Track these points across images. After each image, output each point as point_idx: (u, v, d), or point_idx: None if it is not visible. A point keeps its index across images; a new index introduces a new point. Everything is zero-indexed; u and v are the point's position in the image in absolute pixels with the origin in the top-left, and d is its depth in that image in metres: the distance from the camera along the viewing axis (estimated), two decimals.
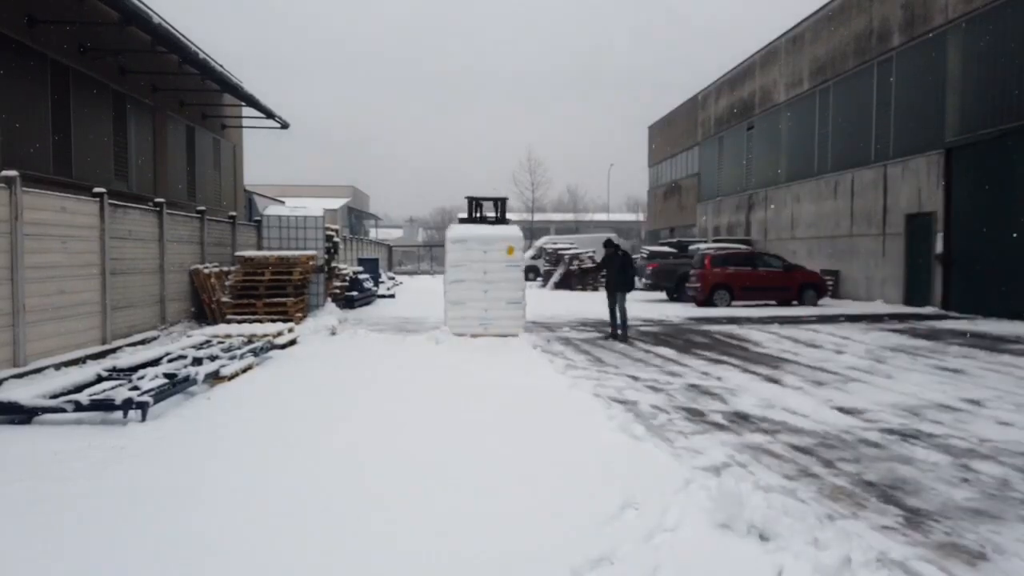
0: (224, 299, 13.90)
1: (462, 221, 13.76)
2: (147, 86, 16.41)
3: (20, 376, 8.11)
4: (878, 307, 19.89)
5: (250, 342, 10.33)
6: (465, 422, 6.36)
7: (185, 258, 13.93)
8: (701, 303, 20.71)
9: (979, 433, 6.23)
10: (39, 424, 6.30)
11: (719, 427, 6.45)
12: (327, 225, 17.27)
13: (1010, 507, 4.47)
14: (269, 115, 20.79)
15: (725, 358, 10.62)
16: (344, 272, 19.75)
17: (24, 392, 6.69)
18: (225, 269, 14.99)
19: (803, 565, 3.46)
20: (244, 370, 8.69)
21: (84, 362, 9.37)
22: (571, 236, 47.78)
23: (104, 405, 6.36)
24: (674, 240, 30.62)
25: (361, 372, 9.02)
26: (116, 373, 7.81)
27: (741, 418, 6.81)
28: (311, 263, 15.29)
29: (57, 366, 8.84)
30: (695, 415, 6.93)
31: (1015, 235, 16.04)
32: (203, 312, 14.22)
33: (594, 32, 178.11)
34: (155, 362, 8.48)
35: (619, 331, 12.82)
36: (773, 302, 20.93)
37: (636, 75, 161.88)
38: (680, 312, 19.00)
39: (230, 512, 4.21)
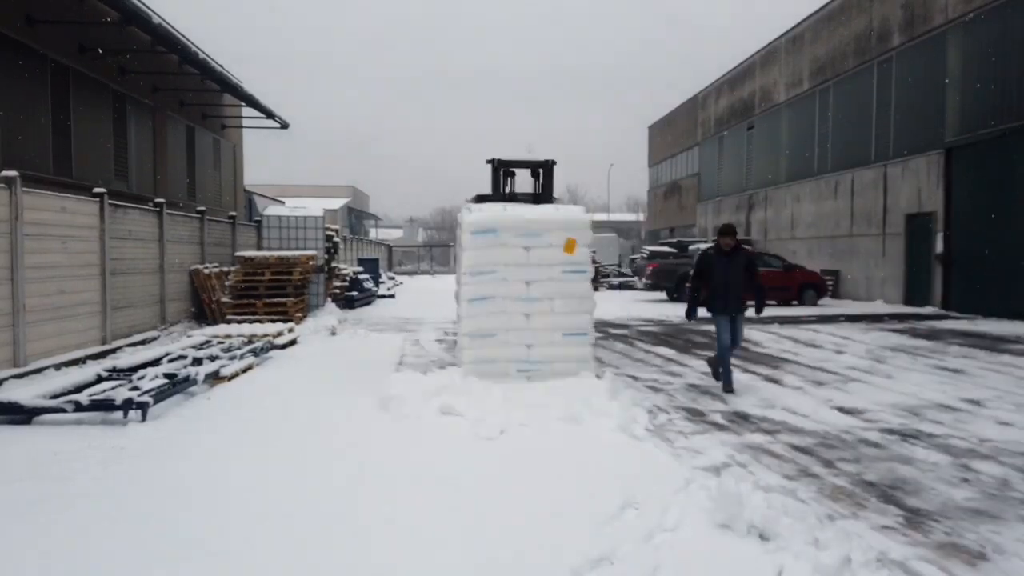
0: (224, 299, 13.91)
1: (480, 200, 8.79)
2: (147, 86, 16.41)
3: (20, 376, 8.11)
4: (878, 307, 19.89)
5: (250, 342, 10.33)
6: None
7: (185, 258, 13.94)
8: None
9: (979, 433, 6.23)
10: (39, 424, 6.30)
11: (719, 427, 6.45)
12: (327, 225, 17.28)
13: (1010, 507, 4.47)
14: (269, 115, 20.79)
15: None
16: (344, 272, 19.75)
17: (24, 392, 6.69)
18: (225, 269, 15.00)
19: (803, 565, 3.46)
20: (244, 370, 8.69)
21: (84, 362, 9.37)
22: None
23: (104, 405, 6.37)
24: (674, 240, 30.60)
25: (361, 371, 9.01)
26: (116, 373, 7.81)
27: (741, 418, 6.81)
28: (311, 263, 15.29)
29: (57, 366, 8.84)
30: (695, 415, 6.92)
31: (1015, 235, 16.05)
32: (203, 312, 14.23)
33: (594, 32, 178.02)
34: (155, 362, 8.48)
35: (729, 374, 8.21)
36: (773, 302, 20.88)
37: (636, 75, 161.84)
38: (680, 312, 18.96)
39: (230, 512, 4.21)
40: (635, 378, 8.92)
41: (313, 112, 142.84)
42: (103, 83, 14.42)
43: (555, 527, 3.94)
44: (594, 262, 32.17)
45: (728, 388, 7.98)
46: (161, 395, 6.76)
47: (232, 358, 8.87)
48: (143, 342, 11.40)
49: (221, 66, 17.44)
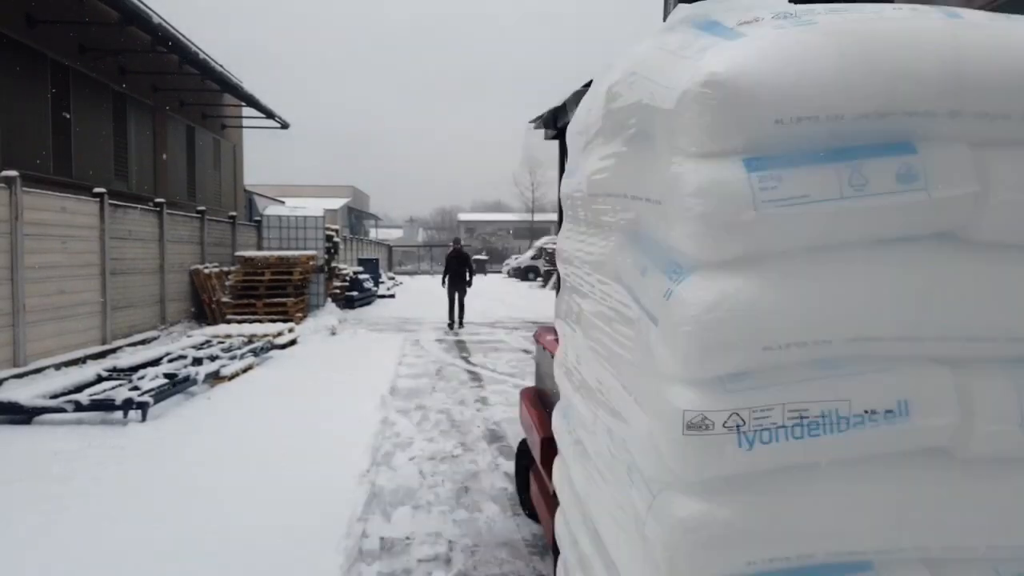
0: (224, 299, 13.90)
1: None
2: (147, 86, 16.40)
3: (20, 376, 8.11)
4: None
5: (250, 342, 10.33)
6: (474, 425, 6.34)
7: (185, 258, 13.93)
8: None
9: None
10: (39, 424, 6.29)
11: None
12: (327, 225, 17.28)
13: None
14: (269, 115, 20.78)
15: None
16: (344, 272, 19.75)
17: (24, 392, 6.69)
18: (225, 269, 14.99)
19: None
20: (244, 370, 8.69)
21: (84, 362, 9.36)
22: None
23: (104, 405, 6.36)
24: None
25: (361, 372, 9.02)
26: (116, 373, 7.81)
27: None
28: (311, 263, 15.29)
29: (57, 366, 8.84)
30: None
31: None
32: (203, 312, 14.22)
33: (594, 32, 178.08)
34: (155, 362, 8.48)
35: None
36: None
37: None
38: None
39: (230, 512, 4.20)
40: None
41: (313, 112, 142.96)
42: (103, 83, 14.41)
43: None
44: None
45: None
46: (161, 395, 6.76)
47: (232, 358, 8.87)
48: (143, 342, 11.40)
49: (221, 66, 17.43)
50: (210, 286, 14.15)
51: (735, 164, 1.31)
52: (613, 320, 1.74)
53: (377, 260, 27.08)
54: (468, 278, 15.15)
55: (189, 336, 11.12)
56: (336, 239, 19.64)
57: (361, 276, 21.13)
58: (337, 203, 54.34)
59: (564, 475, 2.37)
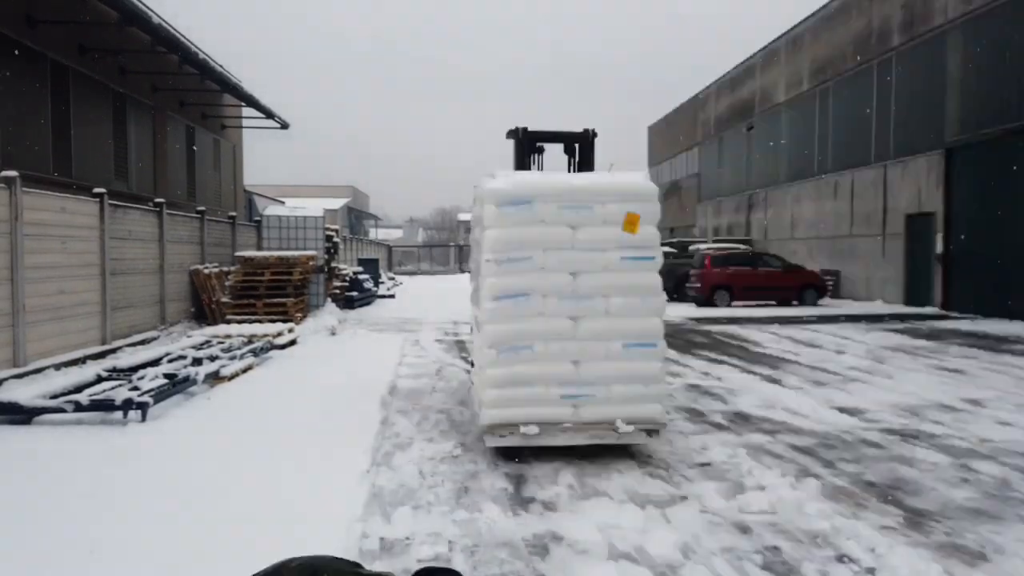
0: (224, 299, 13.90)
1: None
2: (147, 86, 16.40)
3: (20, 376, 8.11)
4: (878, 307, 19.88)
5: (250, 342, 10.33)
6: (473, 425, 6.32)
7: (185, 258, 13.93)
8: (701, 303, 20.70)
9: (979, 433, 6.23)
10: (39, 424, 6.29)
11: (719, 427, 6.45)
12: (327, 225, 17.27)
13: (1010, 507, 4.47)
14: (269, 115, 20.79)
15: (725, 358, 10.62)
16: (344, 272, 19.74)
17: (24, 392, 6.70)
18: (225, 269, 14.99)
19: None
20: (244, 370, 8.69)
21: (84, 362, 9.36)
22: None
23: (104, 405, 6.36)
24: (674, 240, 30.61)
25: (361, 372, 9.01)
26: (116, 373, 7.81)
27: (742, 418, 6.80)
28: (311, 263, 15.28)
29: (57, 366, 8.83)
30: (696, 415, 6.92)
31: (1015, 235, 16.04)
32: (203, 312, 14.22)
33: (594, 32, 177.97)
34: (155, 362, 8.48)
35: None
36: (773, 302, 20.91)
37: (636, 75, 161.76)
38: (680, 312, 18.99)
39: (230, 512, 4.20)
40: None
41: (313, 112, 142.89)
42: (103, 83, 14.41)
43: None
44: None
45: None
46: (161, 395, 6.76)
47: (232, 358, 8.86)
48: (143, 342, 11.40)
49: (221, 66, 17.43)
50: (210, 286, 14.15)
51: (496, 203, 5.53)
52: (475, 274, 6.32)
53: (377, 260, 27.08)
54: None
55: (189, 336, 11.11)
56: (336, 239, 19.64)
57: (361, 276, 21.12)
58: (337, 203, 54.33)
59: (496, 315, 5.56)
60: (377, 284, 24.26)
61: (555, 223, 5.54)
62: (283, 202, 32.78)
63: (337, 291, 18.60)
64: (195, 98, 18.82)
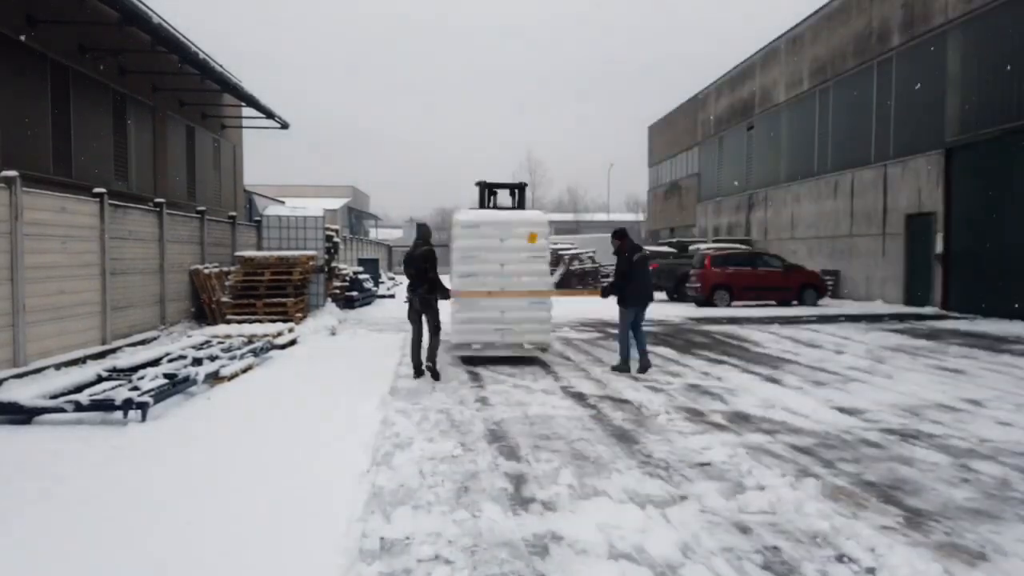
0: (224, 299, 13.90)
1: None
2: (147, 86, 16.40)
3: (20, 376, 8.11)
4: (878, 307, 19.89)
5: (250, 342, 10.33)
6: (473, 425, 6.33)
7: (185, 258, 13.93)
8: (701, 303, 20.71)
9: (979, 433, 6.23)
10: (39, 424, 6.30)
11: (719, 427, 6.45)
12: (327, 225, 17.27)
13: (1010, 507, 4.47)
14: (269, 115, 20.79)
15: (725, 358, 10.62)
16: (344, 272, 19.74)
17: (24, 392, 6.69)
18: (225, 269, 14.99)
19: None
20: (244, 370, 8.69)
21: (84, 362, 9.36)
22: (571, 236, 47.81)
23: (104, 405, 6.37)
24: (674, 240, 30.61)
25: (361, 371, 9.01)
26: (116, 373, 7.81)
27: (741, 418, 6.81)
28: (311, 263, 15.28)
29: (57, 366, 8.84)
30: (695, 415, 6.92)
31: (1015, 235, 16.04)
32: (203, 312, 14.22)
33: (594, 32, 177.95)
34: (155, 362, 8.48)
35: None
36: (773, 302, 20.93)
37: (636, 75, 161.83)
38: (680, 312, 19.00)
39: (230, 513, 4.21)
40: (635, 378, 8.92)
41: (313, 112, 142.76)
42: (103, 83, 14.42)
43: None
44: (594, 262, 32.39)
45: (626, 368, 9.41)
46: (161, 395, 6.76)
47: (232, 358, 8.87)
48: (143, 342, 11.40)
49: (221, 66, 17.44)
50: (210, 286, 14.15)
51: (461, 226, 10.12)
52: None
53: (377, 260, 27.09)
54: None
55: (189, 336, 11.12)
56: (336, 239, 19.63)
57: (361, 276, 21.13)
58: (337, 203, 54.35)
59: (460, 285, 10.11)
60: (377, 284, 24.27)
61: (491, 237, 10.09)
62: (283, 202, 32.78)
63: (337, 291, 18.60)
64: (195, 98, 18.82)
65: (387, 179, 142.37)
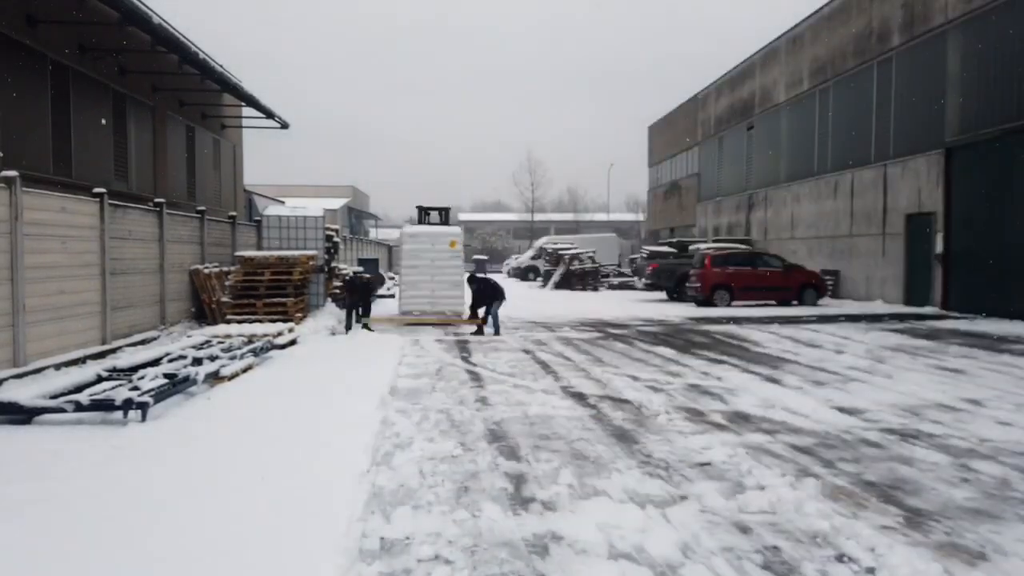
0: (224, 299, 13.89)
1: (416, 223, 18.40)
2: (147, 86, 16.41)
3: (20, 376, 8.11)
4: (878, 307, 19.89)
5: (250, 342, 10.33)
6: (473, 425, 6.34)
7: (185, 258, 13.93)
8: (701, 303, 20.71)
9: (979, 433, 6.23)
10: (39, 424, 6.29)
11: (719, 427, 6.45)
12: (327, 225, 17.26)
13: (1010, 507, 4.47)
14: (269, 115, 20.79)
15: (725, 358, 10.62)
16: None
17: (24, 392, 6.69)
18: (225, 269, 14.99)
19: None
20: (244, 370, 8.69)
21: (84, 362, 9.36)
22: (571, 236, 47.82)
23: (104, 405, 6.36)
24: (674, 240, 30.63)
25: (361, 372, 9.02)
26: (116, 373, 7.81)
27: (741, 418, 6.81)
28: (311, 263, 15.28)
29: (57, 366, 8.84)
30: (695, 415, 6.92)
31: (1015, 235, 16.04)
32: (203, 312, 14.22)
33: (594, 32, 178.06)
34: (155, 362, 8.48)
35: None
36: (773, 302, 20.93)
37: (636, 75, 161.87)
38: (680, 312, 19.00)
39: (230, 513, 4.20)
40: (635, 378, 8.91)
41: (313, 112, 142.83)
42: (103, 83, 14.42)
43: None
44: (593, 262, 32.42)
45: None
46: (161, 395, 6.76)
47: (232, 358, 8.86)
48: (143, 342, 11.40)
49: (221, 66, 17.44)
50: (210, 286, 14.15)
51: (408, 237, 16.98)
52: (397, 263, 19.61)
53: (377, 260, 27.09)
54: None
55: (189, 336, 11.12)
56: (336, 239, 19.62)
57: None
58: (337, 203, 54.34)
59: (408, 273, 17.00)
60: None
61: (425, 244, 16.40)
62: (283, 202, 32.78)
63: (337, 291, 18.59)
64: (195, 98, 18.83)
65: (387, 179, 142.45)
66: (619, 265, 41.27)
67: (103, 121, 14.46)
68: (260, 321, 13.07)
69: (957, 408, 7.22)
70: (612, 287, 32.11)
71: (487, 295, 14.09)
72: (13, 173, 8.34)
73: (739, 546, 3.86)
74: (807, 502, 4.41)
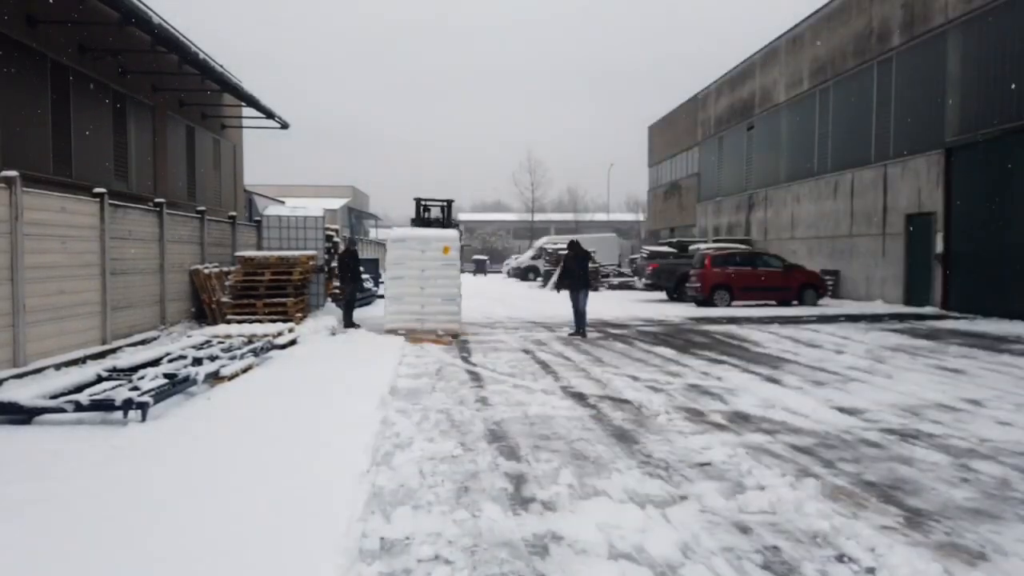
0: (224, 299, 13.89)
1: (413, 222, 16.20)
2: (147, 86, 16.40)
3: (20, 376, 8.11)
4: (878, 307, 19.89)
5: (250, 342, 10.33)
6: (473, 425, 6.34)
7: (185, 258, 13.93)
8: (701, 303, 20.71)
9: (979, 433, 6.23)
10: (39, 424, 6.29)
11: (719, 427, 6.45)
12: (327, 225, 17.27)
13: (1010, 507, 4.47)
14: (269, 115, 20.78)
15: (725, 358, 10.62)
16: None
17: (24, 392, 6.69)
18: (225, 269, 14.99)
19: None
20: (244, 370, 8.69)
21: (84, 362, 9.36)
22: (571, 236, 47.80)
23: (104, 405, 6.36)
24: (674, 240, 30.62)
25: (361, 372, 9.02)
26: (116, 373, 7.81)
27: (741, 418, 6.81)
28: (311, 263, 15.28)
29: (57, 366, 8.84)
30: (695, 415, 6.92)
31: (1015, 235, 16.04)
32: (203, 312, 14.22)
33: (594, 32, 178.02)
34: (155, 362, 8.48)
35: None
36: (773, 302, 20.93)
37: (636, 75, 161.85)
38: (680, 312, 19.00)
39: (230, 513, 4.20)
40: (635, 378, 8.91)
41: (313, 112, 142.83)
42: (103, 83, 14.42)
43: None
44: (594, 262, 32.52)
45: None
46: (161, 395, 6.76)
47: (232, 358, 8.86)
48: (143, 342, 11.40)
49: (221, 66, 17.44)
50: (210, 286, 14.15)
51: (392, 241, 13.61)
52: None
53: (377, 260, 27.09)
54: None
55: (189, 336, 11.12)
56: (336, 239, 19.62)
57: (361, 276, 21.09)
58: (337, 203, 54.34)
59: (391, 285, 13.64)
60: (377, 284, 24.26)
61: (415, 249, 13.30)
62: (283, 202, 32.78)
63: (337, 291, 18.58)
64: (195, 98, 18.82)
65: (387, 179, 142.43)
66: (619, 265, 41.27)
67: (103, 121, 14.46)
68: (260, 321, 13.07)
69: (957, 408, 7.22)
70: (612, 287, 32.11)
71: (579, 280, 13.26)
72: (13, 173, 8.34)
73: (739, 546, 3.86)
74: (807, 502, 4.41)
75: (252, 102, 19.66)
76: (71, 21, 12.80)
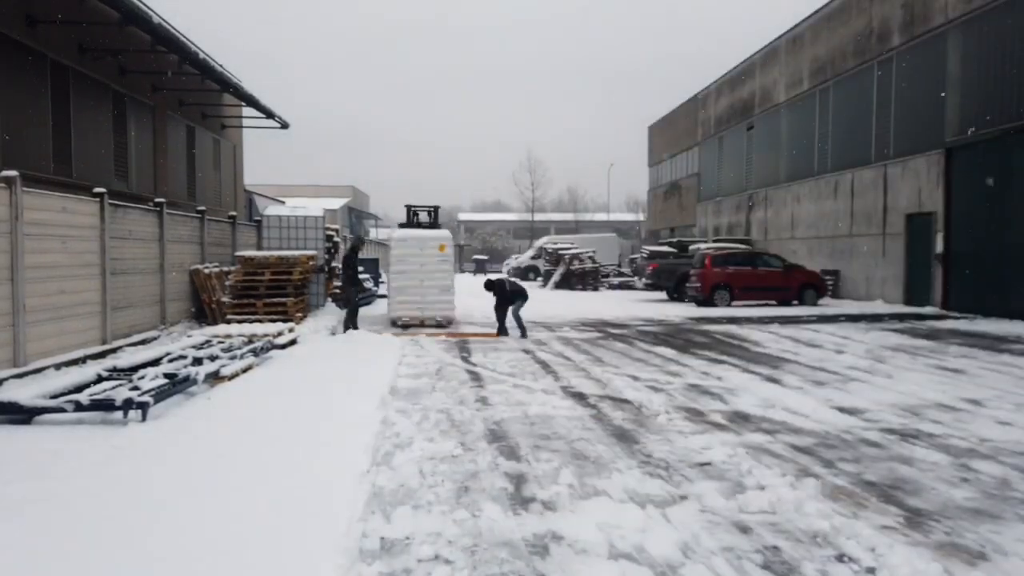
0: (224, 299, 13.89)
1: (402, 225, 17.38)
2: (147, 86, 16.40)
3: (20, 376, 8.11)
4: (878, 307, 19.89)
5: (250, 342, 10.33)
6: (473, 425, 6.33)
7: (185, 258, 13.93)
8: (701, 303, 20.71)
9: (979, 433, 6.23)
10: (39, 424, 6.29)
11: (719, 427, 6.45)
12: (327, 225, 17.27)
13: (1010, 507, 4.47)
14: (269, 115, 20.78)
15: (725, 358, 10.62)
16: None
17: (24, 392, 6.69)
18: (225, 269, 14.99)
19: None
20: (244, 370, 8.69)
21: (84, 362, 9.36)
22: (571, 236, 47.82)
23: (104, 405, 6.36)
24: (674, 240, 30.62)
25: (361, 371, 9.01)
26: (116, 373, 7.80)
27: (741, 418, 6.81)
28: (311, 263, 15.29)
29: (57, 366, 8.83)
30: (695, 415, 6.92)
31: (1015, 235, 16.04)
32: (203, 312, 14.22)
33: (594, 32, 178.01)
34: (155, 362, 8.48)
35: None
36: (773, 302, 20.93)
37: (636, 75, 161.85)
38: (680, 312, 19.00)
39: (230, 513, 4.20)
40: (635, 378, 8.91)
41: (313, 112, 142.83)
42: (103, 83, 14.41)
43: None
44: (594, 262, 32.45)
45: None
46: (161, 395, 6.76)
47: (232, 358, 8.86)
48: (143, 342, 11.40)
49: (221, 66, 17.43)
50: (210, 286, 14.15)
51: (396, 240, 15.50)
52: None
53: (377, 260, 27.08)
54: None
55: (189, 336, 11.12)
56: (336, 239, 19.63)
57: (361, 276, 21.09)
58: (337, 203, 54.33)
59: (396, 278, 15.31)
60: (377, 284, 24.26)
61: (414, 248, 15.03)
62: (283, 202, 32.78)
63: (337, 291, 18.58)
64: (195, 98, 18.82)
65: (387, 179, 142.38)
66: (619, 265, 41.27)
67: (103, 121, 14.46)
68: (260, 321, 13.07)
69: (957, 408, 7.22)
70: (612, 287, 32.11)
71: (506, 299, 13.62)
72: (13, 173, 8.34)
73: (739, 546, 3.87)
74: (807, 502, 4.41)
75: (252, 102, 19.66)
76: (71, 21, 12.80)
